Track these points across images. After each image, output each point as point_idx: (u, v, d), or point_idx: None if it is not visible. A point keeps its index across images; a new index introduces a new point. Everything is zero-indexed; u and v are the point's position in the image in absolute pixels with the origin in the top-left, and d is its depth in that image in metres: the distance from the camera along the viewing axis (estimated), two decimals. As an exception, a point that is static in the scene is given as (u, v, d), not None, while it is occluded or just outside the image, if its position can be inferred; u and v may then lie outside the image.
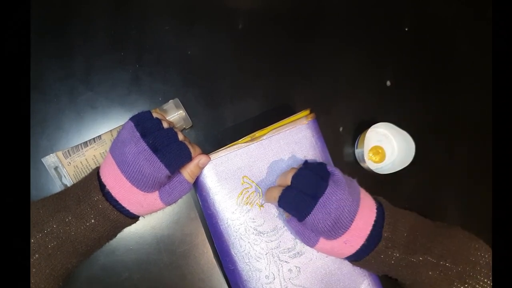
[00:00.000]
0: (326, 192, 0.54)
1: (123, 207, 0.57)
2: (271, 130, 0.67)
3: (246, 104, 0.80)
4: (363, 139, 0.76)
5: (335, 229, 0.55)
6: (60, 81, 0.77)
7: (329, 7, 0.84)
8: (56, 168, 0.72)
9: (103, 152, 0.71)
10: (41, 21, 0.78)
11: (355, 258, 0.59)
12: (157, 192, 0.58)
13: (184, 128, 0.75)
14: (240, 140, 0.67)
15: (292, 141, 0.67)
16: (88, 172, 0.71)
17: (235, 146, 0.66)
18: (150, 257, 0.75)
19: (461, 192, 0.82)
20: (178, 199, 0.61)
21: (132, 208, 0.58)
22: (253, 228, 0.66)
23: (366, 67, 0.83)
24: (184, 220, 0.76)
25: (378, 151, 0.80)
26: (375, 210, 0.58)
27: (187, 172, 0.60)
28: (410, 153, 0.75)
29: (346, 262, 0.66)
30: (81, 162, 0.71)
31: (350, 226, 0.55)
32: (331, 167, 0.59)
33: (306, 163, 0.61)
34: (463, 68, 0.84)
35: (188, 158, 0.58)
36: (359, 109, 0.82)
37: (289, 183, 0.59)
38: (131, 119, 0.57)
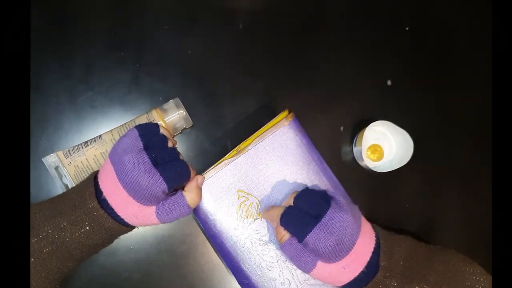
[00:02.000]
0: (328, 212, 0.54)
1: (118, 215, 0.56)
2: (254, 139, 0.67)
3: (247, 104, 0.80)
4: (361, 138, 0.76)
5: (337, 251, 0.54)
6: (60, 81, 0.77)
7: (330, 5, 0.83)
8: (56, 168, 0.72)
9: (103, 152, 0.70)
10: (41, 21, 0.77)
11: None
12: (154, 208, 0.56)
13: (185, 128, 0.75)
14: (226, 156, 0.67)
15: (278, 145, 0.67)
16: (89, 172, 0.70)
17: (222, 163, 0.66)
18: (151, 257, 0.74)
19: (461, 191, 0.82)
20: (173, 221, 0.59)
21: (127, 218, 0.56)
22: (258, 240, 0.66)
23: (366, 66, 0.83)
24: (184, 220, 0.75)
25: (376, 150, 0.80)
26: (374, 238, 0.58)
27: (190, 198, 0.58)
28: (408, 151, 0.75)
29: None
30: (81, 162, 0.70)
31: (351, 250, 0.54)
32: (332, 192, 0.58)
33: (307, 188, 0.61)
34: (464, 67, 0.84)
35: (188, 177, 0.57)
36: (360, 108, 0.82)
37: (290, 202, 0.59)
38: (137, 127, 0.56)
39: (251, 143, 0.67)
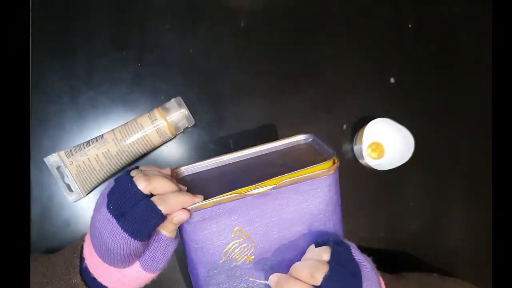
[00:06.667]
0: None
1: (103, 286, 0.49)
2: (282, 181, 0.53)
3: (248, 102, 0.78)
4: (361, 135, 0.74)
5: None
6: (62, 81, 0.75)
7: (332, 3, 0.82)
8: (58, 168, 0.70)
9: (105, 152, 0.68)
10: (42, 21, 0.76)
11: None
12: (137, 264, 0.49)
13: (187, 127, 0.74)
14: (242, 189, 0.52)
15: (305, 195, 0.55)
16: (90, 172, 0.69)
17: (235, 195, 0.52)
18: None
19: (462, 188, 0.81)
20: (166, 262, 0.51)
21: (116, 287, 0.50)
22: (238, 279, 0.57)
23: (369, 64, 0.82)
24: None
25: (377, 147, 0.79)
26: None
27: (163, 228, 0.50)
28: (409, 148, 0.74)
29: None
30: (83, 162, 0.69)
31: None
32: (357, 254, 0.51)
33: (332, 253, 0.49)
34: (467, 65, 0.83)
35: (159, 219, 0.46)
36: (363, 106, 0.80)
37: (317, 281, 0.47)
38: (109, 188, 0.48)
39: (277, 183, 0.52)
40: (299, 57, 0.81)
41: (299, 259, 0.54)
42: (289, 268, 0.53)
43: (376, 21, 0.83)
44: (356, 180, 0.79)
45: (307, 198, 0.55)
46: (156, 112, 0.70)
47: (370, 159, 0.78)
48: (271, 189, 0.52)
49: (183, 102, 0.72)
